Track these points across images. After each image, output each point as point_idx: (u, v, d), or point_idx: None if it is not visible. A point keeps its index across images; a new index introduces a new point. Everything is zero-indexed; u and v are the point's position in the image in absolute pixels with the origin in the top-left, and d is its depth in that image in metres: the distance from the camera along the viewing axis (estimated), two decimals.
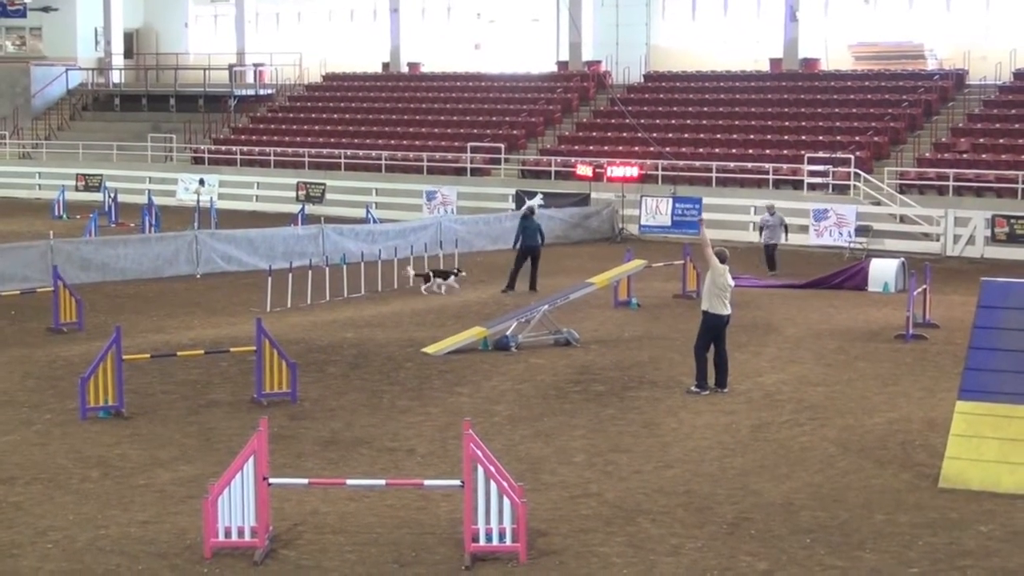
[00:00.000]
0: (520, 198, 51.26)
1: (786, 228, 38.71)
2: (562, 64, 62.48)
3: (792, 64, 56.41)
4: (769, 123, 52.30)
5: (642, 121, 53.97)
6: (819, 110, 52.24)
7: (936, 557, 13.91)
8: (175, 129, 66.51)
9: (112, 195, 54.28)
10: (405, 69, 67.61)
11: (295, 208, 52.49)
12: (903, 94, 51.51)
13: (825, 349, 26.01)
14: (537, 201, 49.82)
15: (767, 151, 49.71)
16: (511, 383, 22.67)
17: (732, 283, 22.27)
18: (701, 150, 50.96)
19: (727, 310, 22.01)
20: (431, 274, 34.35)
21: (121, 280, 35.63)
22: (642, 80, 59.66)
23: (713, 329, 21.89)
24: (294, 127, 64.02)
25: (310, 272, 32.44)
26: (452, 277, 34.43)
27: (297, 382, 21.30)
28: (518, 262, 34.18)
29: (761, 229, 37.74)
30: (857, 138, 48.61)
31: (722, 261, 22.03)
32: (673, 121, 54.28)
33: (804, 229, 45.51)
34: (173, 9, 76.94)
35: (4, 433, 19.28)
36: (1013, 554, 14.02)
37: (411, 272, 34.44)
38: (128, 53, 77.17)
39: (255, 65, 70.95)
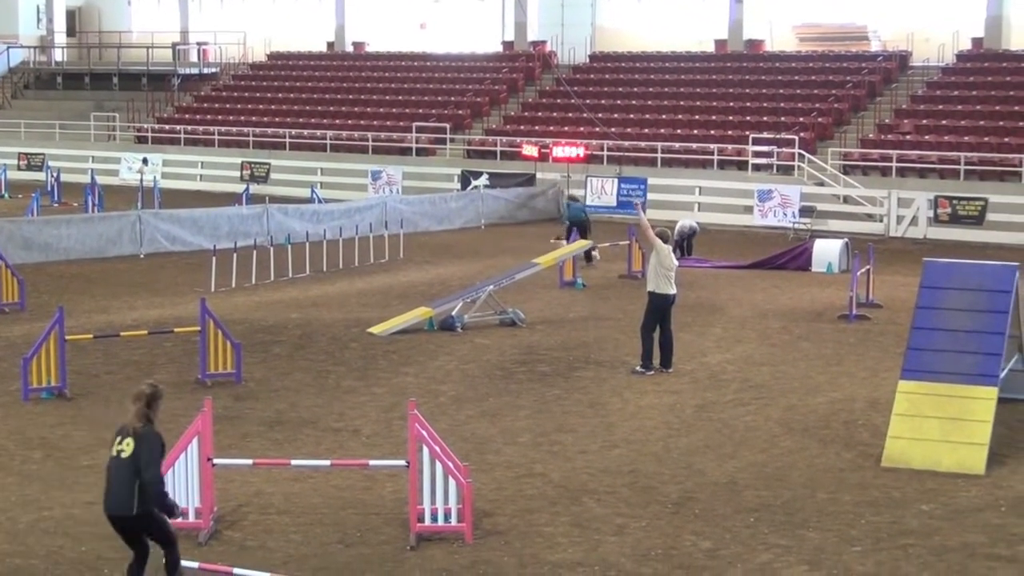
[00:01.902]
0: (465, 178, 51.29)
1: (694, 232, 38.31)
2: (508, 44, 62.44)
3: (737, 45, 56.56)
4: (714, 104, 52.44)
5: (587, 101, 54.02)
6: (763, 91, 52.37)
7: (878, 535, 14.02)
8: (118, 108, 66.06)
9: (55, 174, 53.86)
10: (350, 48, 67.38)
11: (239, 188, 52.29)
12: (847, 75, 51.76)
13: (769, 329, 26.15)
14: (483, 181, 49.90)
15: (712, 132, 49.88)
16: (457, 363, 22.68)
17: (676, 263, 22.34)
18: (646, 131, 51.06)
19: (673, 290, 22.08)
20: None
21: (64, 260, 35.40)
22: (587, 60, 59.69)
23: (659, 309, 21.95)
24: (238, 106, 63.68)
25: (255, 252, 32.31)
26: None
27: (242, 362, 21.22)
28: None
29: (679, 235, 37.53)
30: (801, 119, 48.81)
31: (664, 241, 22.14)
32: (618, 102, 54.35)
33: (748, 210, 45.71)
34: None
35: None
36: (954, 532, 14.15)
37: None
38: (70, 31, 76.54)
39: (199, 44, 70.58)
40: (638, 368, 21.90)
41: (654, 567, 13.10)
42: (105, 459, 16.66)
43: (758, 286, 31.92)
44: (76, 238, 36.38)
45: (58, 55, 74.78)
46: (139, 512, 11.62)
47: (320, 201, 45.98)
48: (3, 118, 68.96)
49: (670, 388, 20.96)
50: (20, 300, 27.96)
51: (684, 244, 37.25)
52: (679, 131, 50.60)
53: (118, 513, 11.66)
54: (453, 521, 13.86)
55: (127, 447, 11.63)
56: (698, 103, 52.82)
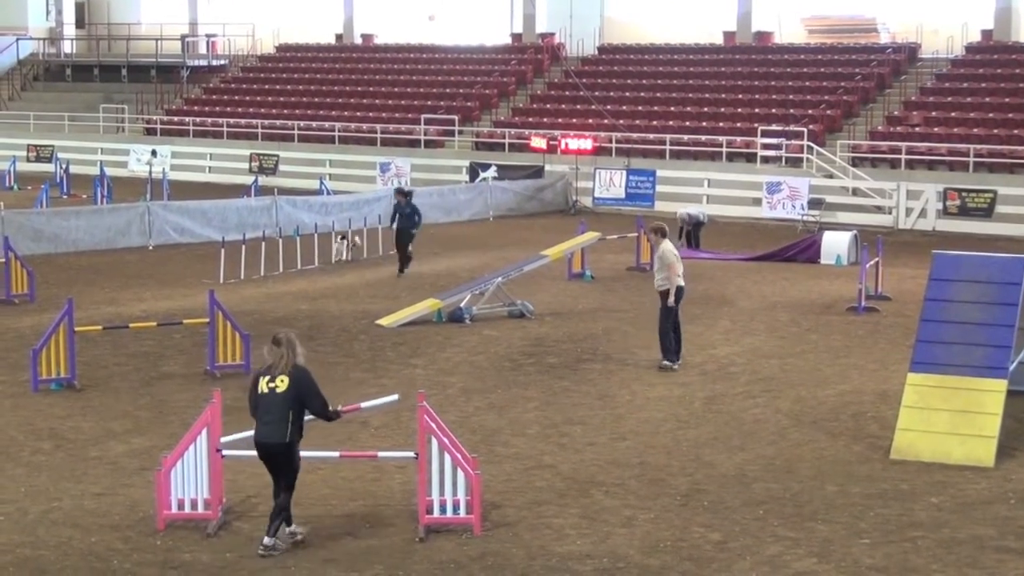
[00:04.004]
0: (474, 170, 51.27)
1: (700, 223, 38.12)
2: (516, 36, 62.38)
3: (745, 37, 56.48)
4: (722, 96, 52.37)
5: (596, 94, 53.96)
6: (772, 83, 52.33)
7: (887, 528, 14.01)
8: (127, 100, 66.07)
9: (64, 166, 53.93)
10: (359, 40, 67.34)
11: (248, 179, 52.29)
12: (856, 67, 51.66)
13: (778, 322, 26.13)
14: (491, 173, 49.89)
15: (720, 124, 49.80)
16: (465, 355, 22.68)
17: (678, 251, 21.98)
18: (655, 123, 50.99)
19: (680, 283, 21.95)
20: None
21: (73, 251, 35.45)
22: (596, 53, 59.60)
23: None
24: (247, 98, 63.67)
25: (263, 244, 32.33)
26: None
27: (251, 354, 21.23)
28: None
29: (682, 223, 37.42)
30: (810, 111, 48.75)
31: (664, 235, 21.95)
32: (627, 94, 54.27)
33: (757, 202, 45.67)
34: None
35: None
36: (963, 525, 14.14)
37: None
38: (79, 23, 76.53)
39: (208, 35, 70.51)
40: (665, 363, 21.65)
41: (663, 559, 13.10)
42: (114, 451, 16.81)
43: (767, 278, 31.89)
44: (85, 230, 36.43)
45: (67, 47, 74.79)
46: (290, 441, 13.02)
47: (329, 193, 45.97)
48: (12, 110, 69.00)
49: (679, 380, 20.95)
50: (29, 291, 28.02)
51: (690, 235, 37.19)
52: (688, 123, 50.54)
53: (274, 442, 13.01)
54: (462, 513, 13.86)
55: (281, 384, 13.01)
56: (707, 95, 52.75)
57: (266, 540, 13.10)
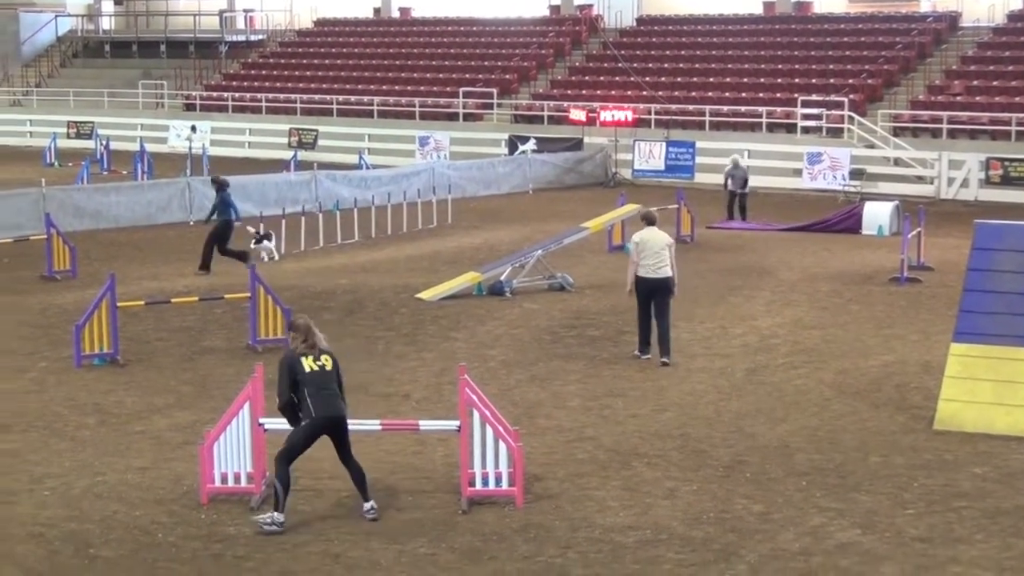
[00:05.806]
0: (513, 143, 51.21)
1: (746, 181, 37.62)
2: (554, 8, 62.24)
3: (785, 7, 56.20)
4: (762, 66, 52.11)
5: (635, 65, 53.80)
6: (812, 53, 52.04)
7: (931, 499, 13.95)
8: (166, 76, 66.26)
9: (104, 142, 54.15)
10: (396, 14, 67.33)
11: (287, 154, 52.37)
12: (897, 36, 51.31)
13: (820, 292, 26.03)
14: (530, 146, 49.82)
15: (760, 94, 49.57)
16: (506, 328, 22.67)
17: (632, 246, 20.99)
18: (694, 94, 50.79)
19: (653, 275, 20.96)
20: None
21: (114, 227, 35.58)
22: (634, 24, 59.41)
23: (641, 294, 21.06)
24: (285, 73, 63.77)
25: (303, 218, 32.37)
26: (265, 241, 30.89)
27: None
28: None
29: (728, 179, 37.11)
30: (851, 81, 48.46)
31: (651, 223, 21.04)
32: (666, 65, 54.07)
33: (798, 172, 45.46)
34: None
35: None
36: (1007, 495, 14.07)
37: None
38: None
39: (246, 11, 70.63)
40: (636, 352, 20.88)
41: (706, 531, 13.08)
42: (157, 425, 16.88)
43: (808, 249, 31.77)
44: (126, 205, 36.59)
45: (106, 23, 75.04)
46: (346, 412, 13.69)
47: (368, 167, 46.01)
48: (52, 87, 69.31)
49: (720, 352, 20.90)
50: (72, 267, 28.16)
51: (733, 203, 36.84)
52: (727, 94, 50.34)
53: (341, 413, 13.52)
54: (504, 485, 13.87)
55: (327, 362, 13.60)
56: (746, 66, 52.51)
57: (366, 505, 13.52)
